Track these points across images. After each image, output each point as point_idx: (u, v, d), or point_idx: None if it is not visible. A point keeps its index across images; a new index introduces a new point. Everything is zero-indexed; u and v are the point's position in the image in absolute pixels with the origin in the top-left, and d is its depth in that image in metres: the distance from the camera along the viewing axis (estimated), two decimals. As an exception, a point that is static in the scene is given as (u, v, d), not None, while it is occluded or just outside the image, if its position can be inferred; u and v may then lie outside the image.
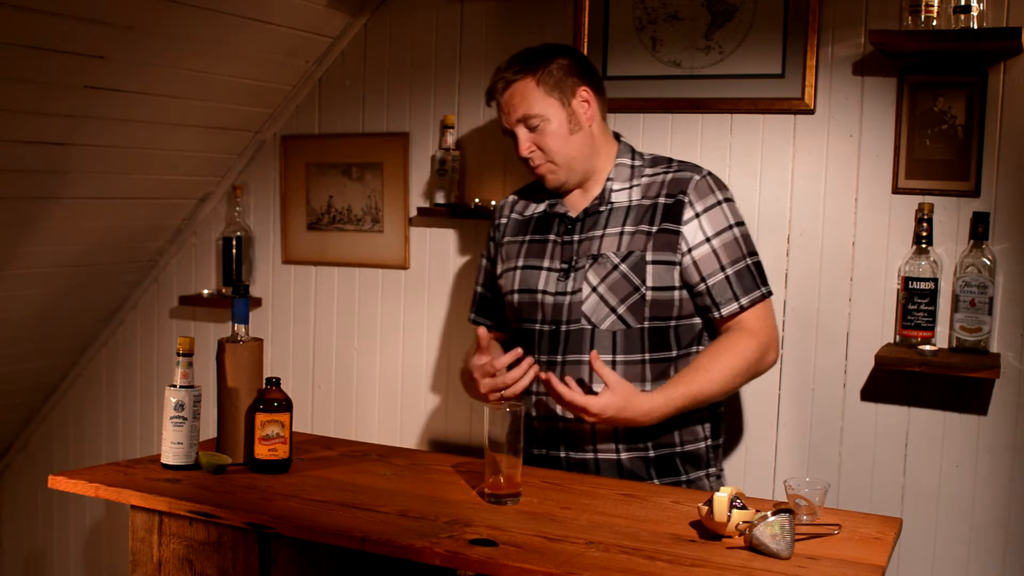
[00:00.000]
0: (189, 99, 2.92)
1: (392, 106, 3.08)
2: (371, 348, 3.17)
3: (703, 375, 2.09)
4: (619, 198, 2.23)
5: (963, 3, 2.26)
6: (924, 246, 2.42)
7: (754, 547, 1.63)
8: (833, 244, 2.55)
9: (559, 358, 2.19)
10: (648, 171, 2.26)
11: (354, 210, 3.14)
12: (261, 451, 2.05)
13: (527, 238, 2.33)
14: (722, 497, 1.69)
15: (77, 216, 3.02)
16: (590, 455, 2.19)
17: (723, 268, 2.16)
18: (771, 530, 1.61)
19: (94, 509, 3.67)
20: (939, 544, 2.48)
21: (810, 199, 2.57)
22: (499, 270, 2.37)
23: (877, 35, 2.34)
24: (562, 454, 2.21)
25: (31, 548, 3.83)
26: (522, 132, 2.23)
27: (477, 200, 2.94)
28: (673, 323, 2.19)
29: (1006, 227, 2.40)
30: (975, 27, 2.26)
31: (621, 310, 2.15)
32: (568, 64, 2.23)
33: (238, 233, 3.27)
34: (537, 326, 2.24)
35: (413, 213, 3.06)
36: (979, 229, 2.37)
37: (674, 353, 2.19)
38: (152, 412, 3.53)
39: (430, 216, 3.00)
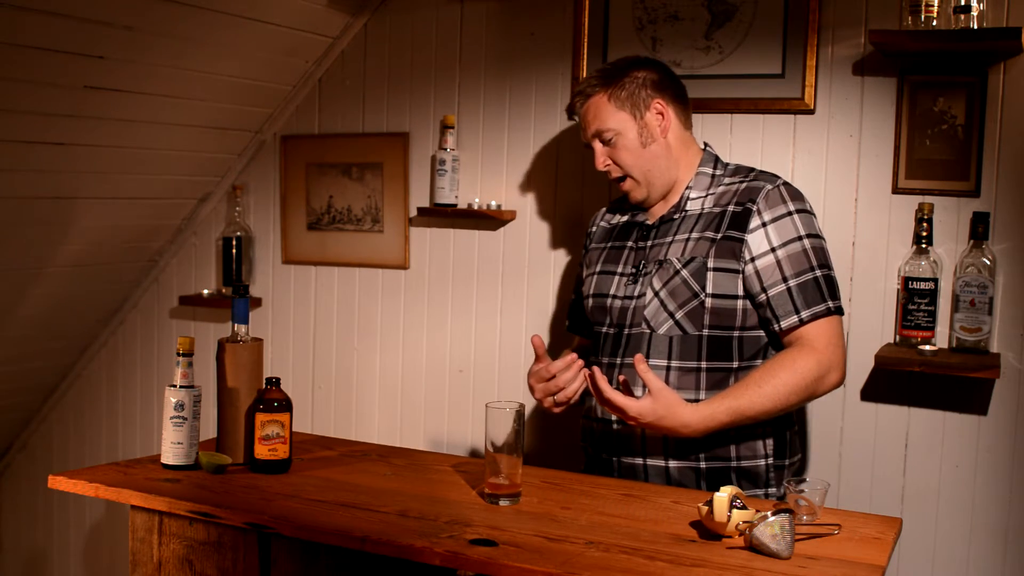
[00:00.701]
0: (189, 99, 2.92)
1: (392, 106, 3.08)
2: (371, 348, 3.17)
3: (753, 390, 2.01)
4: (693, 206, 2.22)
5: (963, 3, 2.26)
6: (924, 246, 2.42)
7: (754, 547, 1.63)
8: (833, 244, 2.53)
9: (618, 360, 2.19)
10: (727, 180, 2.23)
11: (354, 210, 3.14)
12: (261, 451, 2.05)
13: (608, 245, 2.34)
14: (722, 497, 1.69)
15: (77, 216, 3.02)
16: (639, 461, 2.16)
17: (785, 279, 2.09)
18: (771, 530, 1.61)
19: (94, 509, 3.67)
20: (939, 544, 2.48)
21: (810, 199, 2.56)
22: (583, 275, 2.40)
23: (877, 35, 2.34)
24: (613, 458, 2.20)
25: (31, 548, 3.83)
26: (598, 146, 2.25)
27: (477, 200, 2.94)
28: (736, 333, 2.14)
29: (1006, 227, 2.40)
30: (975, 27, 2.26)
31: (679, 315, 2.14)
32: (643, 77, 2.22)
33: (238, 233, 3.27)
34: (604, 329, 2.26)
35: (413, 213, 3.06)
36: (979, 229, 2.37)
37: (735, 364, 2.14)
38: (152, 412, 3.53)
39: (430, 216, 3.00)
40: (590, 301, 2.31)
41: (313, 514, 1.80)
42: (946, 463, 2.47)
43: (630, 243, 2.29)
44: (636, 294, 2.20)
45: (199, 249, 3.43)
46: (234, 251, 3.26)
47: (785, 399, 2.03)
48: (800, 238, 2.12)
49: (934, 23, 2.29)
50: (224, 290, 3.29)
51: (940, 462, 2.47)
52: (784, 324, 2.10)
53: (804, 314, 2.08)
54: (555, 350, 2.90)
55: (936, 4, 2.28)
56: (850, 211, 2.54)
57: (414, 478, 2.08)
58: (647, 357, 2.13)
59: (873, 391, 2.53)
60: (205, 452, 2.10)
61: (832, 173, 2.56)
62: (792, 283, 2.09)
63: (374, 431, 3.16)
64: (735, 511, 1.68)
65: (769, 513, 1.63)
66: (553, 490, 2.00)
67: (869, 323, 2.52)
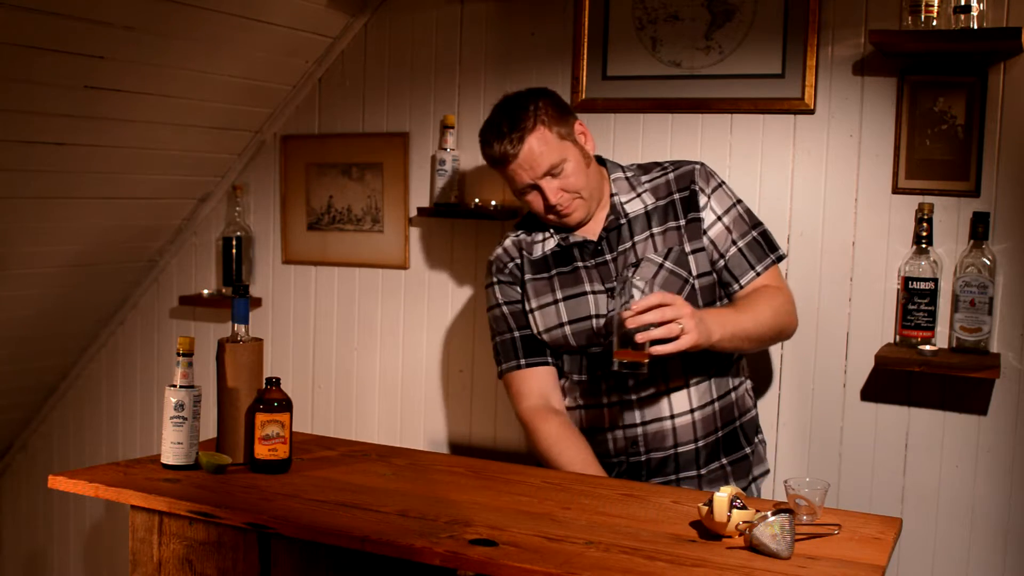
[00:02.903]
0: (189, 99, 2.92)
1: (392, 106, 3.08)
2: (371, 348, 3.17)
3: (744, 312, 2.16)
4: (632, 208, 2.27)
5: (963, 3, 2.26)
6: (924, 246, 2.42)
7: (754, 547, 1.63)
8: (833, 244, 2.55)
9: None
10: (644, 177, 2.31)
11: (354, 210, 3.14)
12: (261, 451, 2.05)
13: (553, 273, 2.31)
14: (722, 497, 1.69)
15: (77, 216, 3.02)
16: (672, 477, 2.24)
17: (735, 242, 2.24)
18: (771, 530, 1.61)
19: (94, 509, 3.67)
20: (939, 544, 2.48)
21: (810, 199, 2.57)
22: (530, 307, 2.33)
23: (877, 35, 2.34)
24: (643, 457, 2.25)
25: (31, 548, 3.83)
26: (550, 184, 2.20)
27: (477, 200, 2.94)
28: (718, 305, 2.26)
29: (1006, 227, 2.40)
30: (975, 27, 2.27)
31: None
32: (552, 103, 2.22)
33: (238, 233, 3.27)
34: (594, 350, 2.25)
35: (413, 213, 3.06)
36: (979, 229, 2.37)
37: None
38: (152, 412, 3.53)
39: (430, 216, 3.00)
40: (567, 328, 2.27)
41: (313, 514, 1.80)
42: (946, 463, 2.47)
43: (580, 264, 2.28)
44: (622, 303, 2.15)
45: (199, 249, 3.42)
46: (234, 251, 3.26)
47: (771, 321, 2.18)
48: (734, 204, 2.28)
49: (934, 23, 2.29)
50: (224, 290, 3.29)
51: (940, 462, 2.47)
52: (744, 281, 2.25)
53: (759, 267, 2.25)
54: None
55: (936, 4, 2.28)
56: (850, 211, 2.54)
57: (414, 478, 2.08)
58: None
59: (873, 391, 2.53)
60: (205, 452, 2.10)
61: (832, 173, 2.55)
62: (740, 243, 2.25)
63: (374, 431, 3.16)
64: (735, 511, 1.68)
65: (769, 513, 1.63)
66: (553, 490, 2.00)
67: (869, 323, 2.52)
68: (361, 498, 1.91)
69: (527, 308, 2.34)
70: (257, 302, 3.32)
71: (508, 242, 2.40)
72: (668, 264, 2.21)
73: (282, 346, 3.30)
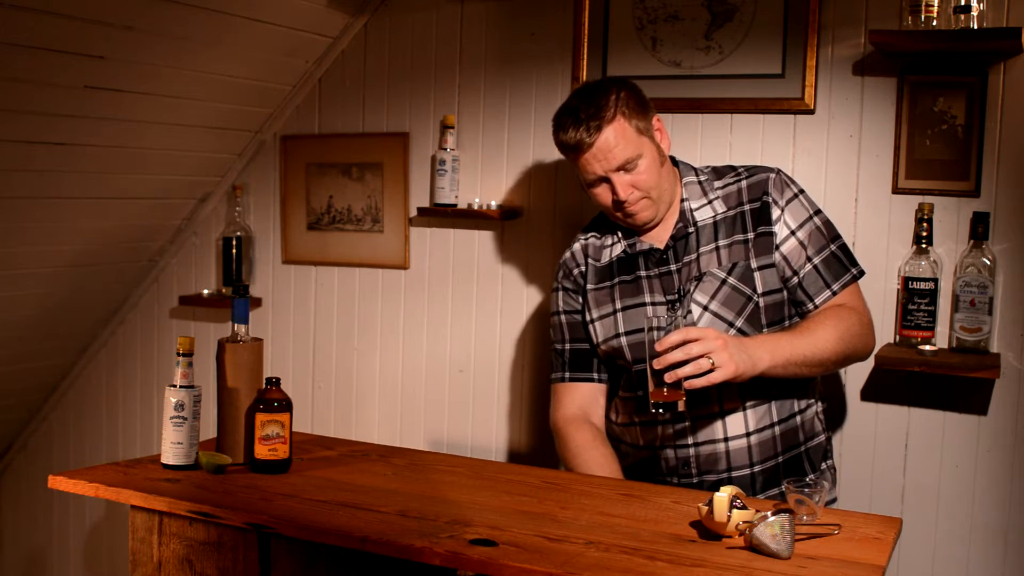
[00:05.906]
0: (189, 99, 2.92)
1: (392, 106, 3.08)
2: (371, 348, 3.17)
3: (806, 335, 2.04)
4: (702, 216, 2.18)
5: (963, 3, 2.26)
6: (924, 246, 2.42)
7: (754, 547, 1.63)
8: (833, 244, 2.55)
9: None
10: (717, 183, 2.22)
11: (354, 210, 3.14)
12: (261, 451, 2.05)
13: (615, 281, 2.25)
14: (722, 497, 1.69)
15: (77, 216, 3.02)
16: (724, 476, 2.16)
17: (810, 259, 2.14)
18: (771, 530, 1.61)
19: (94, 509, 3.67)
20: (939, 544, 2.48)
21: (810, 199, 2.57)
22: (591, 318, 2.27)
23: (877, 35, 2.34)
24: (695, 479, 2.19)
25: (31, 548, 3.83)
26: (621, 178, 2.12)
27: (477, 200, 2.94)
28: (787, 324, 2.17)
29: (1006, 227, 2.40)
30: (975, 27, 2.27)
31: (739, 323, 2.12)
32: (633, 94, 2.15)
33: (238, 233, 3.27)
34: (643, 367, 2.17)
35: (413, 213, 3.06)
36: (979, 229, 2.37)
37: None
38: (152, 412, 3.53)
39: (430, 216, 3.00)
40: (623, 339, 2.21)
41: (313, 514, 1.80)
42: (946, 463, 2.47)
43: (643, 272, 2.22)
44: (681, 316, 2.10)
45: (199, 249, 3.43)
46: (234, 251, 3.26)
47: (835, 344, 2.05)
48: (811, 217, 2.17)
49: (934, 23, 2.29)
50: (224, 290, 3.29)
51: (940, 462, 2.47)
52: (818, 300, 2.14)
53: (835, 286, 2.15)
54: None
55: (936, 4, 2.28)
56: (850, 211, 2.54)
57: (414, 478, 2.08)
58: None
59: (873, 391, 2.53)
60: (205, 452, 2.10)
61: (832, 173, 2.56)
62: (816, 260, 2.15)
63: (374, 431, 3.16)
64: (735, 511, 1.68)
65: (769, 513, 1.63)
66: (553, 490, 2.00)
67: (869, 323, 2.52)
68: (361, 498, 1.91)
69: (587, 319, 2.28)
70: (257, 302, 3.32)
71: (577, 246, 2.33)
72: (731, 280, 2.13)
73: (282, 346, 3.30)
